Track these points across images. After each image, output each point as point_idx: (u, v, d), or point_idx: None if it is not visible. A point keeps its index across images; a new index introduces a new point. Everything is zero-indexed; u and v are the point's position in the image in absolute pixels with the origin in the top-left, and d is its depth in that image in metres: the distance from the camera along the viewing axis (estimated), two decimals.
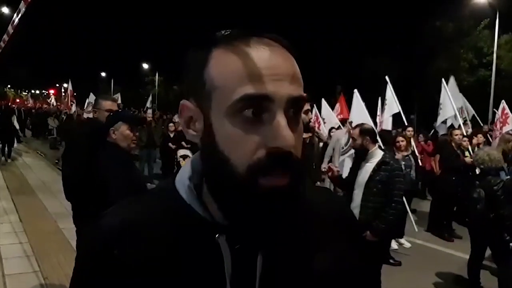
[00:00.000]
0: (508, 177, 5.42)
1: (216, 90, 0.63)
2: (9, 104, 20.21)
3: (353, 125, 6.39)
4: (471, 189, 4.42)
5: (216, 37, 0.66)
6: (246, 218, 0.63)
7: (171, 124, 10.38)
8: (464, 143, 6.86)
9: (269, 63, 0.62)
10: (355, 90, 7.43)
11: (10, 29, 5.21)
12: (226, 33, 0.66)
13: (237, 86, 0.61)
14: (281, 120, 0.61)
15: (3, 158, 12.33)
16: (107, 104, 3.65)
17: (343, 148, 6.47)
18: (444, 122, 9.32)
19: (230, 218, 0.65)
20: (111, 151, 2.94)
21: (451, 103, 8.17)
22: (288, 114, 0.62)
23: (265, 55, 0.63)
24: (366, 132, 3.88)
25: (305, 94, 0.65)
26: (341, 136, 6.42)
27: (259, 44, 0.64)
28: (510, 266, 4.03)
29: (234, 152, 0.62)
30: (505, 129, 8.65)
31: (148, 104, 17.80)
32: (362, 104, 7.24)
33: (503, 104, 9.25)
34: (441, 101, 8.86)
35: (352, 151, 4.78)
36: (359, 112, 7.08)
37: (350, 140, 6.10)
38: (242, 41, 0.64)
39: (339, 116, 9.80)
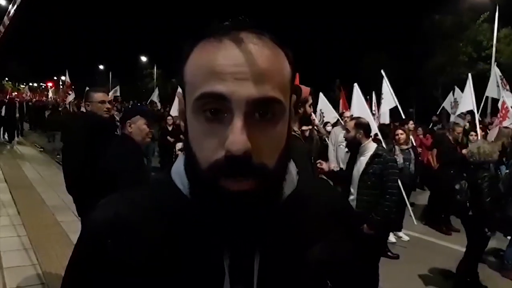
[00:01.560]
0: (507, 171, 5.44)
1: (187, 85, 0.64)
2: (8, 97, 20.14)
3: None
4: (455, 181, 4.44)
5: (201, 31, 0.65)
6: (215, 213, 0.62)
7: (169, 118, 10.33)
8: (472, 137, 6.92)
9: (234, 61, 0.60)
10: (355, 84, 7.37)
11: (6, 20, 5.16)
12: (211, 26, 0.65)
13: (200, 84, 0.61)
14: (237, 123, 0.58)
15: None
16: (99, 96, 3.64)
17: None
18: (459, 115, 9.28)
19: (204, 210, 0.65)
20: (123, 143, 2.94)
21: (472, 97, 8.12)
22: (252, 116, 0.60)
23: (232, 52, 0.60)
24: (360, 125, 3.90)
25: (275, 96, 0.61)
26: (339, 132, 6.44)
27: (233, 39, 0.61)
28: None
29: (198, 150, 0.63)
30: (505, 123, 8.62)
31: (155, 98, 17.41)
32: (362, 98, 7.20)
33: (503, 98, 9.20)
34: (455, 96, 8.67)
35: None
36: (359, 106, 7.02)
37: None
38: (217, 36, 0.62)
39: (344, 112, 9.79)
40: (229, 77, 0.59)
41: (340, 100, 11.03)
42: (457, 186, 4.34)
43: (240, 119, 0.58)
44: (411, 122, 7.78)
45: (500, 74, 9.91)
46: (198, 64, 0.62)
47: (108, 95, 3.80)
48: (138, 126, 2.92)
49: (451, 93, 11.74)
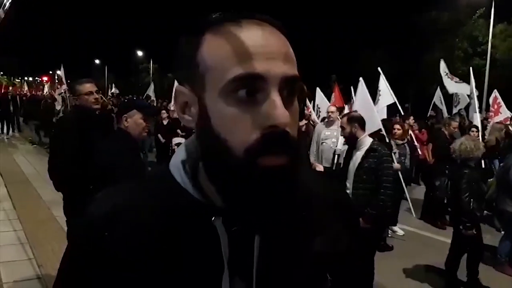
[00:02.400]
0: (501, 164, 5.47)
1: (209, 71, 0.63)
2: (2, 91, 19.98)
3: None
4: (435, 177, 4.45)
5: (207, 21, 0.65)
6: (246, 199, 0.62)
7: (163, 111, 10.17)
8: (473, 134, 6.94)
9: (262, 42, 0.61)
10: (361, 79, 7.19)
11: (1, 13, 5.11)
12: (217, 16, 0.65)
13: (230, 66, 0.60)
14: (276, 98, 0.60)
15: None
16: (86, 87, 3.49)
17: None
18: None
19: (228, 200, 0.65)
20: (119, 138, 2.90)
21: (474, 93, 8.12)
22: (282, 93, 0.62)
23: (257, 34, 0.62)
24: (354, 119, 3.90)
25: (298, 74, 0.64)
26: (322, 129, 6.32)
27: (250, 24, 0.63)
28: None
29: (230, 134, 0.61)
30: (497, 118, 8.66)
31: (150, 93, 17.27)
32: (367, 93, 6.94)
33: (495, 93, 9.24)
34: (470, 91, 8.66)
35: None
36: (363, 101, 6.75)
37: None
38: (233, 23, 0.63)
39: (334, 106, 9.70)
40: (261, 57, 0.60)
41: (333, 94, 10.89)
42: (437, 183, 4.37)
43: (278, 95, 0.60)
44: (411, 118, 7.75)
45: (446, 70, 10.00)
46: (222, 48, 0.62)
47: (94, 84, 3.61)
48: (135, 121, 2.87)
49: (438, 89, 11.76)
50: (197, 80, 0.65)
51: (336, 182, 3.98)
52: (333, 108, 6.56)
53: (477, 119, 7.71)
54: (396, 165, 5.60)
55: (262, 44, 0.61)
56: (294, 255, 0.70)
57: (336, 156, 5.43)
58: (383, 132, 6.15)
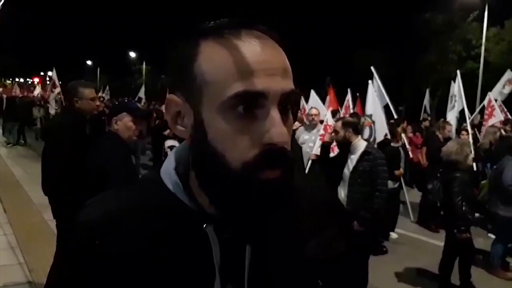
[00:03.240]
0: (495, 167, 5.49)
1: (208, 85, 0.61)
2: None
3: (373, 117, 6.19)
4: (428, 180, 4.47)
5: (204, 29, 0.64)
6: (240, 211, 0.62)
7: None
8: (463, 137, 6.98)
9: (261, 57, 0.60)
10: (370, 81, 7.05)
11: None
12: (215, 24, 0.64)
13: (230, 82, 0.59)
14: (275, 116, 0.60)
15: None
16: (91, 93, 3.52)
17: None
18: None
19: (221, 209, 0.64)
20: (110, 141, 2.88)
21: (462, 96, 8.11)
22: (281, 109, 0.61)
23: (257, 49, 0.61)
24: (348, 124, 3.92)
25: (296, 89, 0.64)
26: (301, 133, 6.09)
27: (250, 37, 0.61)
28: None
29: (228, 149, 0.61)
30: (491, 121, 8.70)
31: (141, 95, 17.29)
32: (375, 95, 6.87)
33: (489, 96, 9.28)
34: (455, 93, 8.56)
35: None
36: (374, 105, 6.62)
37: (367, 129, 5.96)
38: (232, 34, 0.62)
39: (329, 109, 9.65)
40: (262, 73, 0.59)
41: (328, 96, 10.73)
42: (429, 186, 4.38)
43: (277, 112, 0.60)
44: (405, 121, 7.76)
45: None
46: (220, 63, 0.61)
47: (95, 90, 3.67)
48: (124, 123, 2.86)
49: (427, 91, 11.80)
50: (193, 93, 0.63)
51: (327, 186, 3.99)
52: (315, 111, 6.24)
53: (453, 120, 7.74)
54: (399, 170, 5.61)
55: (263, 60, 0.60)
56: (285, 263, 0.70)
57: (310, 161, 5.39)
58: (388, 136, 6.09)
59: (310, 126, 6.11)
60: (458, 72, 8.48)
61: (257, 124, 0.60)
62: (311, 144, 5.79)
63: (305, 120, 8.26)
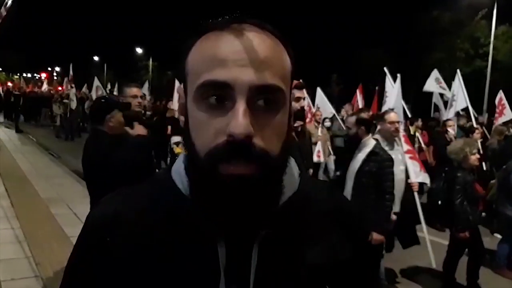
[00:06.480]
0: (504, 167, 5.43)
1: (188, 76, 0.65)
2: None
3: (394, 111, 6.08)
4: (434, 179, 4.46)
5: (202, 26, 0.66)
6: (209, 201, 0.62)
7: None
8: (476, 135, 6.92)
9: (235, 48, 0.61)
10: (398, 75, 6.60)
11: (3, 11, 5.10)
12: (213, 21, 0.66)
13: (202, 72, 0.61)
14: (240, 108, 0.59)
15: None
16: (132, 91, 3.66)
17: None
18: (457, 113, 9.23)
19: (197, 199, 0.65)
20: (107, 138, 2.94)
21: (464, 94, 8.02)
22: (254, 103, 0.61)
23: (233, 41, 0.61)
24: (362, 122, 3.87)
25: (276, 83, 0.62)
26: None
27: (234, 30, 0.62)
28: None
29: (198, 138, 0.63)
30: (501, 120, 8.62)
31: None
32: (400, 91, 6.46)
33: (501, 94, 9.16)
34: (454, 92, 8.53)
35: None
36: (397, 100, 6.23)
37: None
38: (219, 28, 0.63)
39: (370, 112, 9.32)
40: (231, 64, 0.59)
41: (358, 96, 10.55)
42: (433, 185, 4.37)
43: (243, 104, 0.59)
44: (420, 120, 7.68)
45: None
46: (200, 54, 0.63)
47: (140, 90, 3.88)
48: (118, 119, 2.97)
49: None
50: (185, 83, 0.68)
51: (337, 188, 3.96)
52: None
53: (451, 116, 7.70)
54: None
55: (236, 51, 0.60)
56: (292, 265, 0.68)
57: None
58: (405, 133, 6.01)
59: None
60: (458, 71, 8.45)
61: (224, 115, 0.60)
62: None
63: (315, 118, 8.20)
